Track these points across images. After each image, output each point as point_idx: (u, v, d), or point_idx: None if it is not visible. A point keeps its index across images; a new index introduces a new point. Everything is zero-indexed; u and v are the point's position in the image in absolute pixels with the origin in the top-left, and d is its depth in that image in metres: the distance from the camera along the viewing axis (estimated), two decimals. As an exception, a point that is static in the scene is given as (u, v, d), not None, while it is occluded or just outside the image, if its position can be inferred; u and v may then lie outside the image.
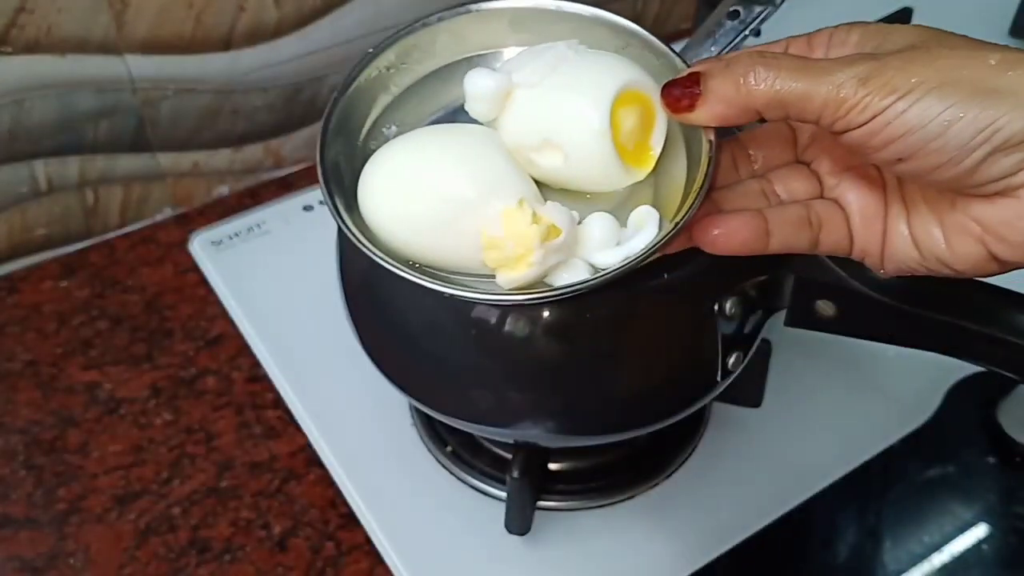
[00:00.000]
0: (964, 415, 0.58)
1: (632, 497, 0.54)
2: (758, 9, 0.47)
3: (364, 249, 0.36)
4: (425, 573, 0.51)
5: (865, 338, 0.47)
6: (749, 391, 0.54)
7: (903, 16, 0.75)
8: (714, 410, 0.57)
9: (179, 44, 0.66)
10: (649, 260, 0.36)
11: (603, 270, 0.37)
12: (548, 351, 0.43)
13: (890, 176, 0.36)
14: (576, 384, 0.44)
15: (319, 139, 0.39)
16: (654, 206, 0.38)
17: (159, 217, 0.73)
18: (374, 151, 0.39)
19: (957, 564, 0.52)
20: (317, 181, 0.36)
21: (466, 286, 0.37)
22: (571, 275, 0.37)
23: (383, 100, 0.42)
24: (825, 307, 0.46)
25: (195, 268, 0.67)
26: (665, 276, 0.43)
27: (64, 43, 0.62)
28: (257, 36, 0.69)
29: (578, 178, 0.39)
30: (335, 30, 0.72)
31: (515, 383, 0.44)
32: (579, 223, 0.38)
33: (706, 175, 0.36)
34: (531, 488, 0.50)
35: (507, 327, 0.42)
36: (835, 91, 0.31)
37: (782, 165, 0.38)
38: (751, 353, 0.48)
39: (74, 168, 0.68)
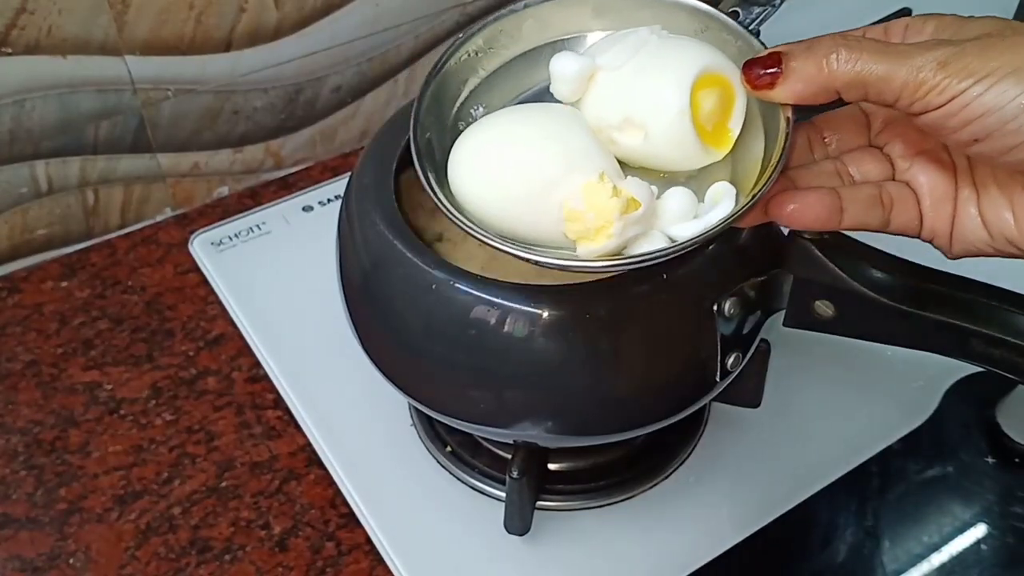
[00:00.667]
0: (963, 415, 0.58)
1: (631, 497, 0.54)
2: (757, 10, 0.47)
3: (456, 220, 0.38)
4: (425, 573, 0.51)
5: (864, 338, 0.47)
6: (748, 391, 0.54)
7: (902, 16, 0.75)
8: (713, 410, 0.58)
9: (180, 45, 0.66)
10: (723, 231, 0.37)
11: (680, 242, 0.37)
12: (547, 351, 0.43)
13: (961, 160, 0.37)
14: (575, 384, 0.44)
15: (412, 118, 0.40)
16: (731, 184, 0.39)
17: (160, 218, 0.73)
18: (463, 130, 0.40)
19: (956, 564, 0.52)
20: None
21: (552, 255, 0.38)
22: (649, 246, 0.38)
23: (472, 82, 0.43)
24: (824, 307, 0.46)
25: (195, 268, 0.67)
26: (664, 276, 0.43)
27: (65, 44, 0.62)
28: (257, 37, 0.69)
29: (657, 157, 0.40)
30: (335, 31, 0.72)
31: (514, 383, 0.45)
32: (657, 197, 0.39)
33: (783, 151, 0.37)
34: (530, 488, 0.50)
35: (506, 327, 0.42)
36: (915, 73, 0.33)
37: (855, 148, 0.40)
38: (750, 353, 0.48)
39: (75, 169, 0.68)
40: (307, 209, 0.71)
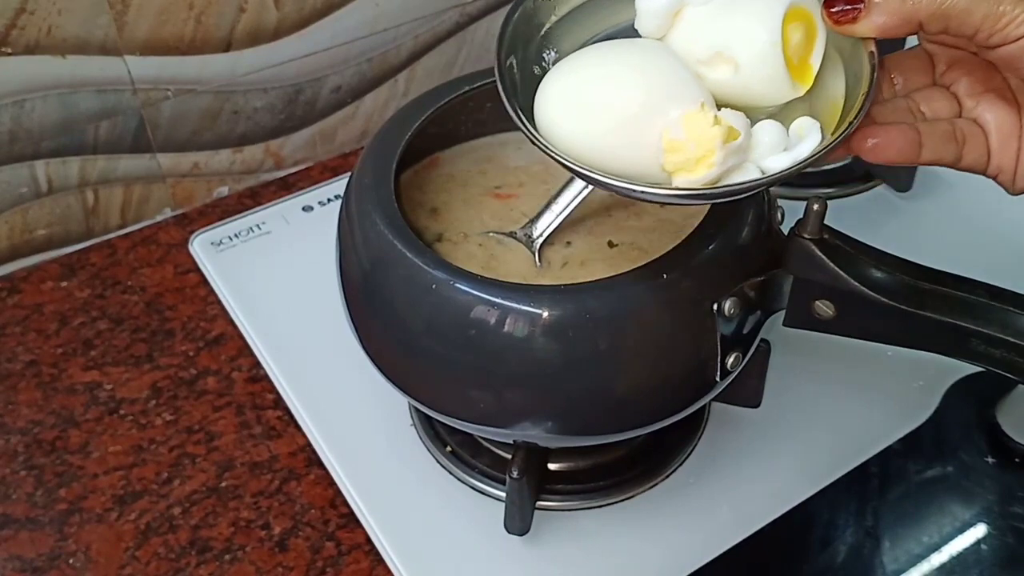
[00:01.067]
0: (963, 415, 0.58)
1: (631, 497, 0.54)
2: None
3: (550, 152, 0.38)
4: (424, 573, 0.51)
5: (863, 338, 0.47)
6: (748, 391, 0.54)
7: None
8: (713, 410, 0.58)
9: (179, 45, 0.66)
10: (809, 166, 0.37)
11: (774, 173, 0.38)
12: (547, 351, 0.43)
13: None
14: (575, 384, 0.44)
15: (496, 53, 0.41)
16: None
17: (159, 218, 0.73)
18: (538, 75, 0.40)
19: (956, 564, 0.52)
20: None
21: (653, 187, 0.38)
22: (743, 178, 0.38)
23: (544, 27, 0.43)
24: (824, 307, 0.46)
25: (195, 268, 0.67)
26: (665, 276, 0.43)
27: (64, 44, 0.62)
28: (257, 37, 0.69)
29: (745, 90, 0.40)
30: (335, 31, 0.72)
31: (514, 383, 0.45)
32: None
33: (870, 84, 0.38)
34: (530, 488, 0.50)
35: (506, 327, 0.42)
36: (996, 6, 0.35)
37: (922, 88, 0.41)
38: (750, 353, 0.48)
39: (75, 169, 0.68)
40: (307, 209, 0.71)
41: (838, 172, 0.72)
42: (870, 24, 0.37)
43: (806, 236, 0.45)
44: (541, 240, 0.49)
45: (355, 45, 0.74)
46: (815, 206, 0.44)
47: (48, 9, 0.60)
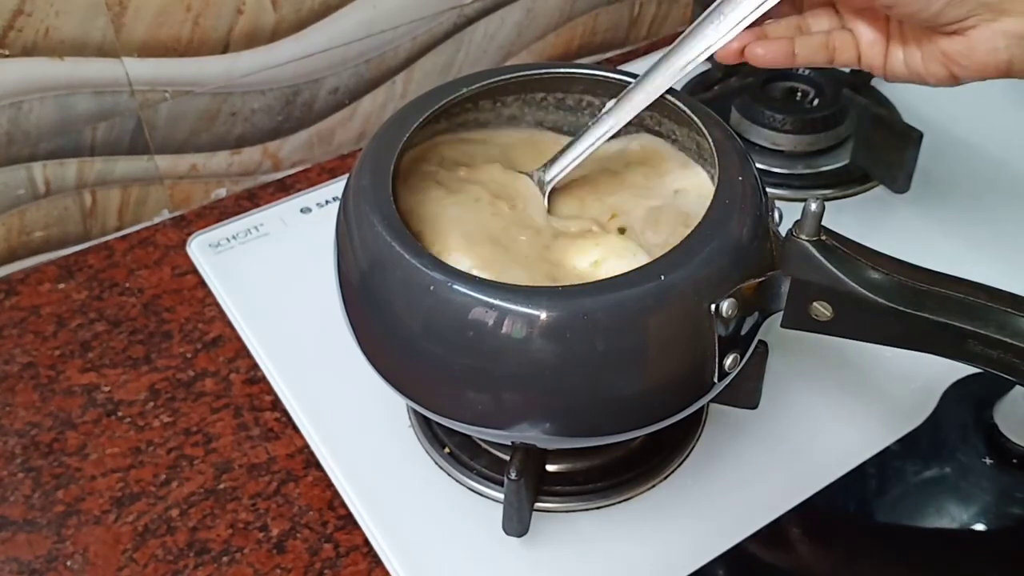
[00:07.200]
0: (960, 416, 0.58)
1: (630, 498, 0.54)
2: None
3: None
4: (423, 574, 0.51)
5: (861, 340, 0.47)
6: (746, 393, 0.54)
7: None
8: (711, 412, 0.58)
9: (177, 47, 0.66)
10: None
11: None
12: (545, 353, 0.43)
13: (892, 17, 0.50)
14: (573, 386, 0.44)
15: None
16: None
17: (157, 219, 0.73)
18: None
19: (953, 565, 0.52)
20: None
21: None
22: None
23: None
24: (821, 309, 0.46)
25: (193, 270, 0.67)
26: (662, 277, 0.43)
27: (62, 46, 0.62)
28: (255, 39, 0.69)
29: None
30: (333, 33, 0.72)
31: (512, 384, 0.44)
32: None
33: None
34: (529, 489, 0.50)
35: (504, 329, 0.42)
36: None
37: (819, 5, 0.52)
38: (748, 355, 0.48)
39: (72, 170, 0.68)
40: (305, 211, 0.71)
41: (836, 173, 0.72)
42: None
43: (804, 237, 0.45)
44: (552, 183, 0.52)
45: (353, 47, 0.74)
46: (813, 207, 0.44)
47: (45, 11, 0.60)
